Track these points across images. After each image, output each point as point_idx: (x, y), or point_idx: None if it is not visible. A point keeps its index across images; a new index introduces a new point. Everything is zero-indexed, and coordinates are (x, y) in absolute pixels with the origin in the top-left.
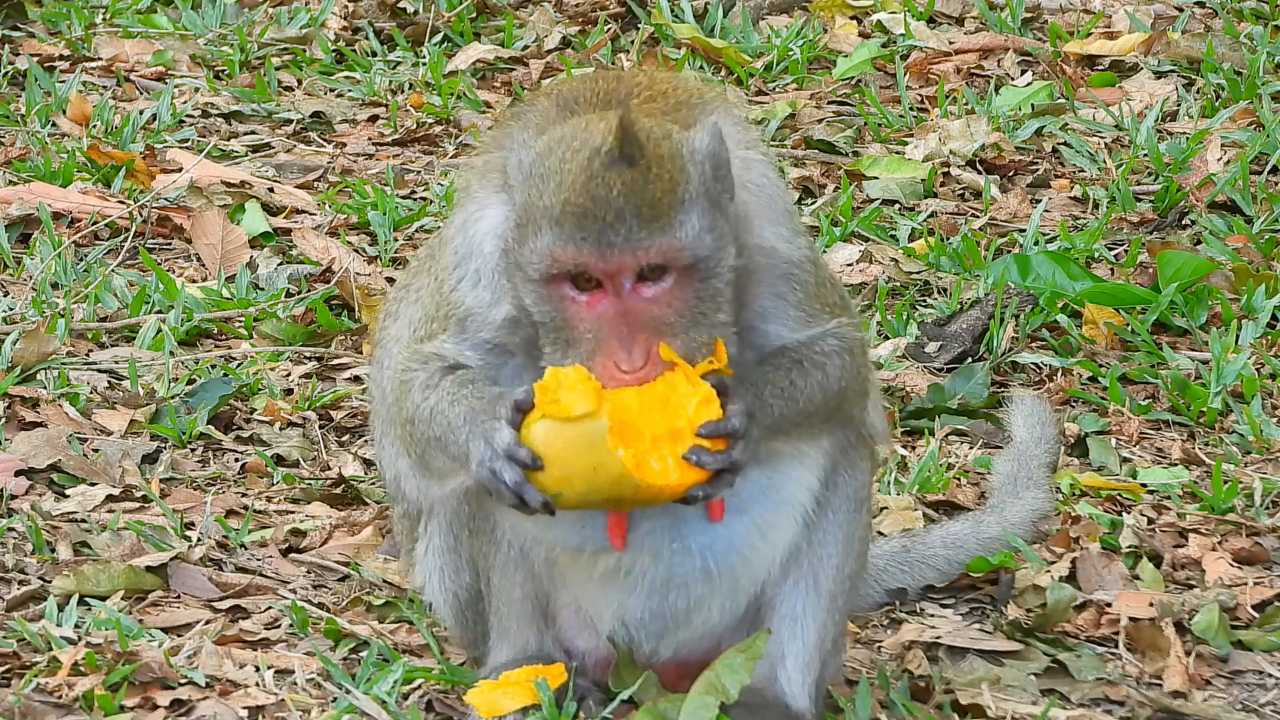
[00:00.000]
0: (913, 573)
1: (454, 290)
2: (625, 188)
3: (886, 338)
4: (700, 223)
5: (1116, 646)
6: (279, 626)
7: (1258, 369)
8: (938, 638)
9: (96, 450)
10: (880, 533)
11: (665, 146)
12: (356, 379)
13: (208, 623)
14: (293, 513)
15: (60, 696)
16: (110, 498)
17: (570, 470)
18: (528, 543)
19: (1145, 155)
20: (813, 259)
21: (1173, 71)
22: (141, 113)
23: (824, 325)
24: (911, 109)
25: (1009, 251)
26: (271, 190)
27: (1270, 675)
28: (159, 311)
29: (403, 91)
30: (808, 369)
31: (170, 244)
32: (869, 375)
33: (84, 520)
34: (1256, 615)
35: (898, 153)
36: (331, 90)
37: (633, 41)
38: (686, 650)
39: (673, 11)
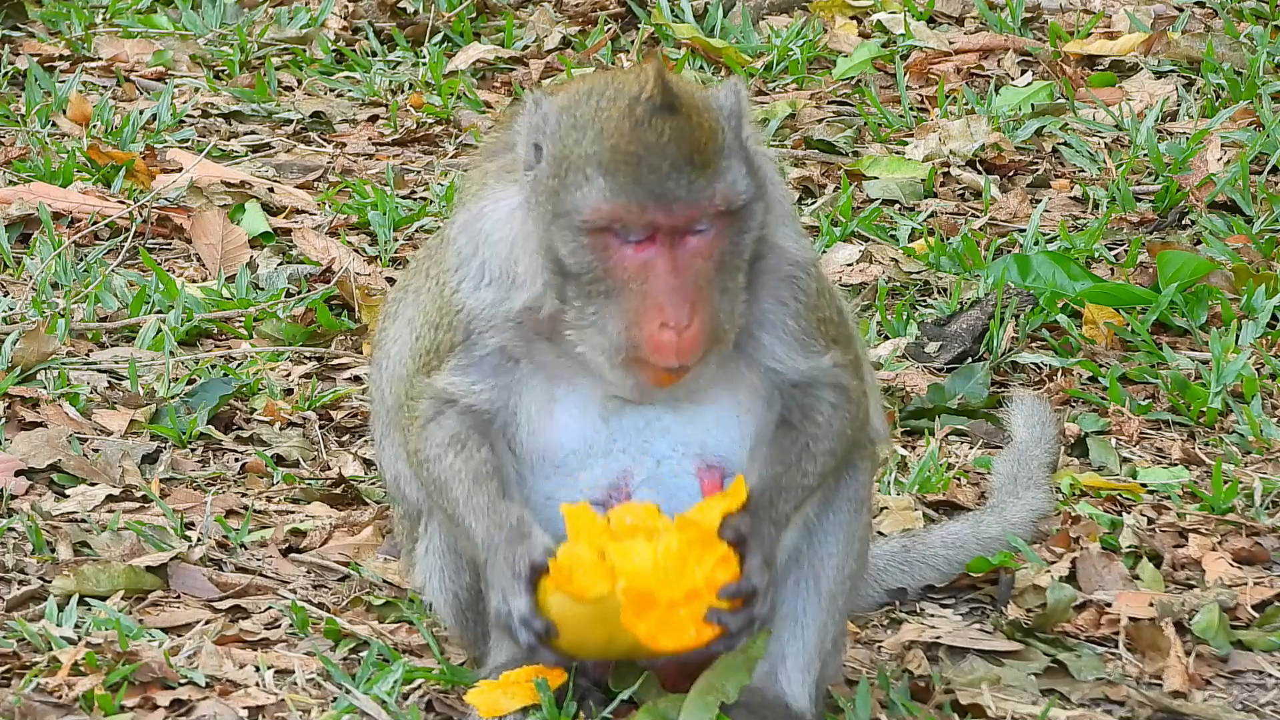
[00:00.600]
0: (913, 573)
1: (455, 292)
2: (675, 134)
3: (886, 338)
4: (740, 169)
5: (1116, 646)
6: (279, 626)
7: (1258, 369)
8: (938, 638)
9: (96, 450)
10: (880, 533)
11: (699, 98)
12: (356, 379)
13: (208, 623)
14: (293, 513)
15: (60, 696)
16: (110, 498)
17: (585, 639)
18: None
19: (1145, 155)
20: (814, 262)
21: (1173, 71)
22: (141, 113)
23: (819, 359)
24: (911, 109)
25: (1009, 251)
26: (271, 190)
27: (1270, 675)
28: (159, 311)
29: (403, 91)
30: (813, 450)
31: (170, 244)
32: (867, 396)
33: (84, 520)
34: (1256, 615)
35: (898, 153)
36: (331, 90)
37: (633, 41)
38: (691, 653)
39: (673, 11)
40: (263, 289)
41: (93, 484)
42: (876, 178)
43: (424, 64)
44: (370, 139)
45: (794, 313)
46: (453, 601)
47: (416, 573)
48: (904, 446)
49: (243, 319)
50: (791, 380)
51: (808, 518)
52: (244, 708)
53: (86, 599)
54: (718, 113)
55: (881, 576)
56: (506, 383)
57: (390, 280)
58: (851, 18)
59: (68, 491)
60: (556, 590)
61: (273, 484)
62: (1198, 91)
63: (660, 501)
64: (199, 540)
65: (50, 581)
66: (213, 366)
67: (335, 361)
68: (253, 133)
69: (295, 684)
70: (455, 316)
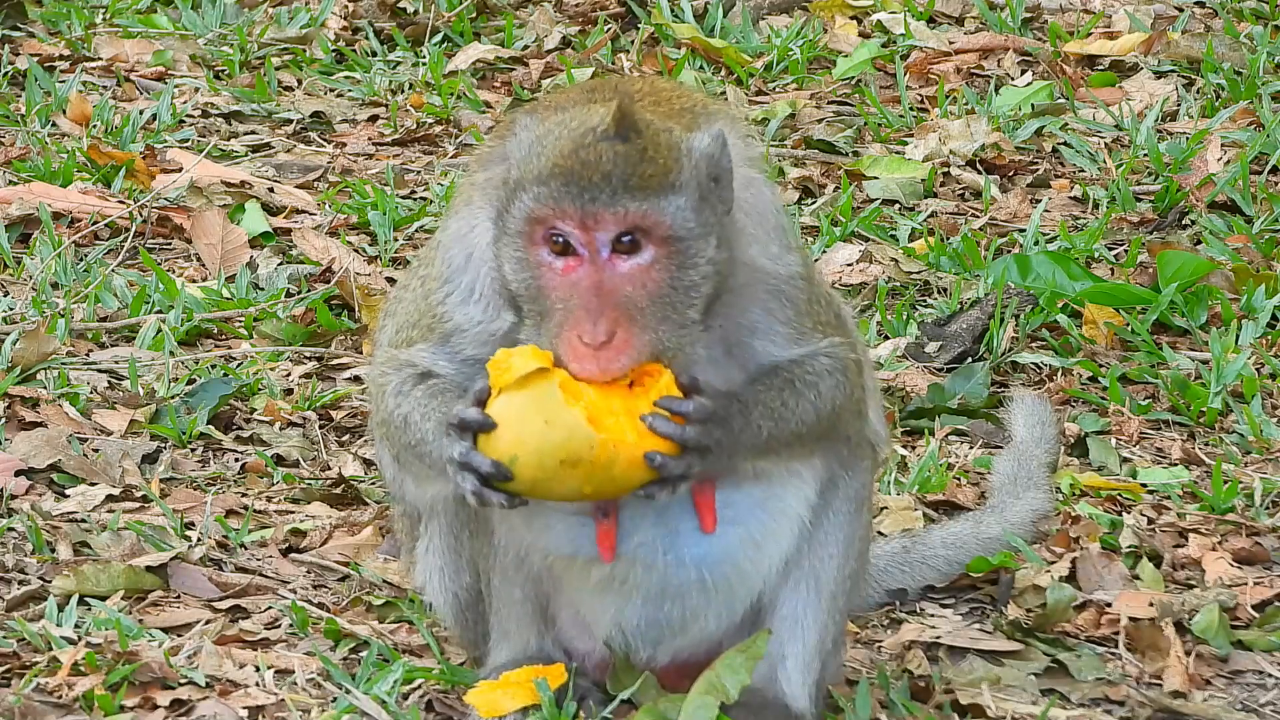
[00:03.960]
0: (913, 573)
1: (441, 304)
2: (615, 157)
3: (886, 338)
4: (686, 206)
5: (1116, 646)
6: (279, 626)
7: (1258, 369)
8: (938, 638)
9: (96, 450)
10: (880, 533)
11: (664, 136)
12: (357, 379)
13: (208, 623)
14: (293, 513)
15: (60, 696)
16: (110, 498)
17: (524, 430)
18: (524, 548)
19: (1145, 155)
20: (805, 275)
21: (1173, 71)
22: (141, 112)
23: (815, 344)
24: (911, 109)
25: (1009, 251)
26: (271, 190)
27: (1270, 675)
28: (159, 311)
29: (403, 91)
30: (799, 389)
31: (170, 244)
32: (865, 391)
33: (84, 520)
34: (1256, 615)
35: (898, 153)
36: (331, 90)
37: (633, 41)
38: (685, 654)
39: (673, 11)
40: (263, 289)
41: (93, 484)
42: (876, 178)
43: (424, 64)
44: (370, 139)
45: (784, 319)
46: (453, 601)
47: (417, 572)
48: (904, 446)
49: (243, 319)
50: (789, 359)
51: (805, 523)
52: (244, 708)
53: (86, 599)
54: (680, 153)
55: (882, 577)
56: (472, 374)
57: (390, 280)
58: (851, 18)
59: (68, 491)
60: (499, 393)
61: (273, 484)
62: (1198, 91)
63: (653, 516)
64: (199, 540)
65: (50, 581)
66: (213, 366)
67: (335, 361)
68: (253, 132)
69: (295, 684)
70: (441, 325)
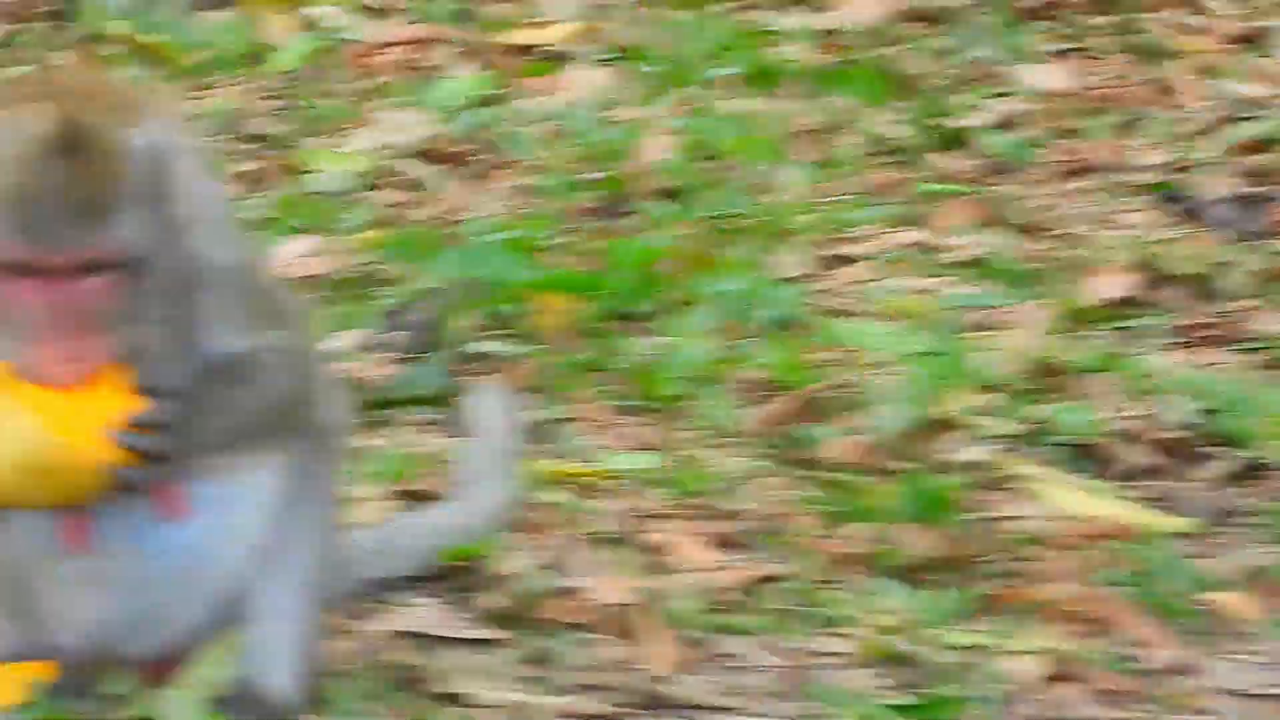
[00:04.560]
0: (389, 562)
1: None
2: (67, 180)
3: (343, 330)
4: (137, 221)
5: (600, 632)
6: None
7: (718, 354)
8: (419, 627)
9: None
10: (353, 524)
11: (106, 142)
12: None
13: None
14: None
15: None
16: None
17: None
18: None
19: (587, 144)
20: (248, 267)
21: (611, 59)
22: None
23: (262, 336)
24: (349, 102)
25: (457, 242)
26: None
27: (750, 659)
28: None
29: None
30: (248, 382)
31: None
32: (317, 381)
33: None
34: (733, 599)
35: (336, 147)
36: None
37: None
38: (172, 649)
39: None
40: None
41: None
42: (317, 171)
43: None
44: None
45: (231, 311)
46: None
47: None
48: (368, 437)
49: None
50: (238, 353)
51: (274, 513)
52: None
53: None
54: (124, 157)
55: (358, 566)
56: None
57: None
58: (286, 11)
59: None
60: None
61: None
62: (635, 80)
63: (119, 508)
64: None
65: None
66: None
67: None
68: None
69: None
70: None
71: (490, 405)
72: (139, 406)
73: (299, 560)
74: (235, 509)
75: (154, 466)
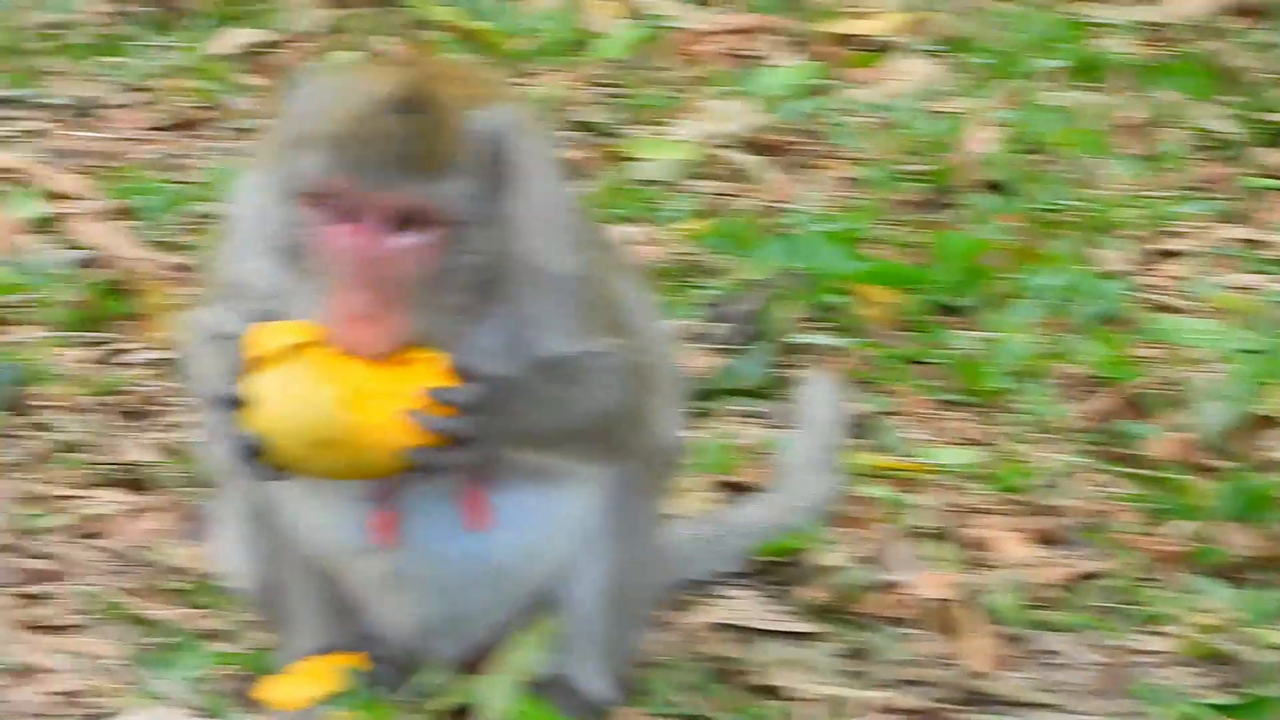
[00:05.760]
0: (710, 558)
1: (229, 263)
2: (403, 131)
3: (666, 320)
4: (464, 190)
5: (915, 627)
6: (79, 613)
7: (1043, 349)
8: (738, 620)
9: None
10: (678, 516)
11: (451, 115)
12: (141, 364)
13: (5, 609)
14: (87, 498)
15: None
16: None
17: (282, 406)
18: (307, 541)
19: (913, 135)
20: (588, 275)
21: (937, 51)
22: None
23: (597, 342)
24: (676, 90)
25: (781, 232)
26: (43, 176)
27: (1066, 654)
28: None
29: (171, 76)
30: (574, 384)
31: None
32: (655, 396)
33: None
34: (1054, 595)
35: (663, 134)
36: (100, 74)
37: (391, 26)
38: (481, 646)
39: None
40: (39, 275)
41: None
42: (643, 159)
43: (189, 48)
44: (140, 123)
45: (564, 316)
46: (254, 578)
47: (220, 552)
48: (691, 429)
49: (22, 304)
50: (568, 354)
51: (588, 526)
52: (44, 694)
53: None
54: (465, 131)
55: (679, 566)
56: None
57: (166, 264)
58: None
59: None
60: (263, 370)
61: (66, 470)
62: (962, 71)
63: (431, 508)
64: None
65: None
66: None
67: (117, 346)
68: (21, 118)
69: (96, 670)
70: (228, 284)
71: (820, 396)
72: (446, 387)
73: (616, 564)
74: (547, 523)
75: (457, 452)
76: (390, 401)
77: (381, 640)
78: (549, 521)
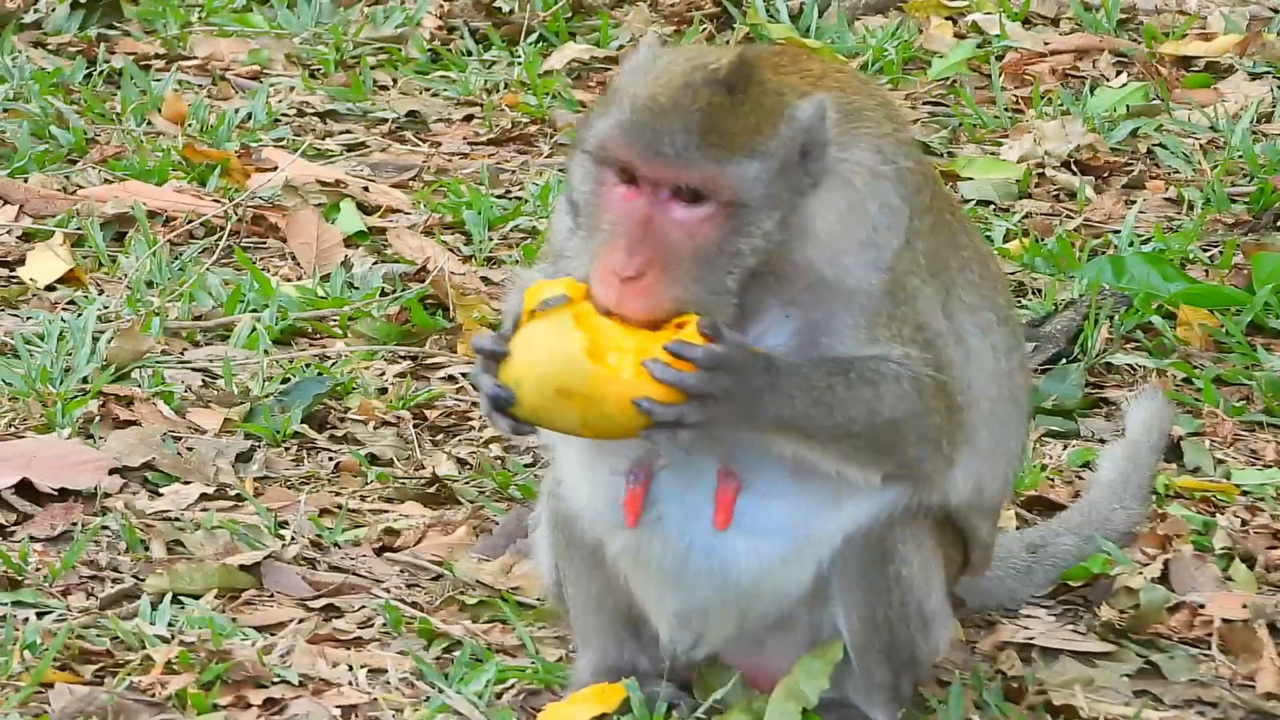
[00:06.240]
0: (1021, 588)
1: (554, 228)
2: (708, 105)
3: None
4: (760, 175)
5: (1209, 648)
6: (372, 626)
7: None
8: (1031, 638)
9: (190, 449)
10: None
11: (770, 99)
12: (451, 378)
13: (301, 621)
14: (386, 512)
15: (153, 695)
16: (204, 496)
17: (532, 354)
18: (589, 529)
19: (1240, 157)
20: (885, 291)
21: (1268, 73)
22: (236, 111)
23: (887, 349)
24: (1006, 110)
25: (1103, 253)
26: (366, 189)
27: None
28: (253, 310)
29: (498, 91)
30: (853, 381)
31: (265, 243)
32: (951, 423)
33: (177, 519)
34: None
35: (992, 153)
36: (426, 89)
37: (728, 41)
38: (753, 654)
39: (768, 11)
40: (357, 288)
41: (186, 482)
42: (971, 178)
43: (519, 64)
44: (465, 138)
45: (853, 324)
46: (553, 576)
47: (536, 551)
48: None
49: (337, 318)
50: (854, 355)
51: (858, 543)
52: (337, 706)
53: (180, 597)
54: (778, 116)
55: (991, 593)
56: None
57: (485, 280)
58: (947, 18)
59: (161, 490)
60: (525, 323)
61: (366, 483)
62: None
63: (673, 500)
64: (292, 539)
65: (144, 580)
66: (307, 365)
67: (430, 361)
68: (348, 132)
69: (388, 683)
70: (552, 248)
71: (1147, 416)
72: (685, 341)
73: (879, 591)
74: (794, 542)
75: (692, 409)
76: (632, 356)
77: (663, 651)
78: (805, 534)
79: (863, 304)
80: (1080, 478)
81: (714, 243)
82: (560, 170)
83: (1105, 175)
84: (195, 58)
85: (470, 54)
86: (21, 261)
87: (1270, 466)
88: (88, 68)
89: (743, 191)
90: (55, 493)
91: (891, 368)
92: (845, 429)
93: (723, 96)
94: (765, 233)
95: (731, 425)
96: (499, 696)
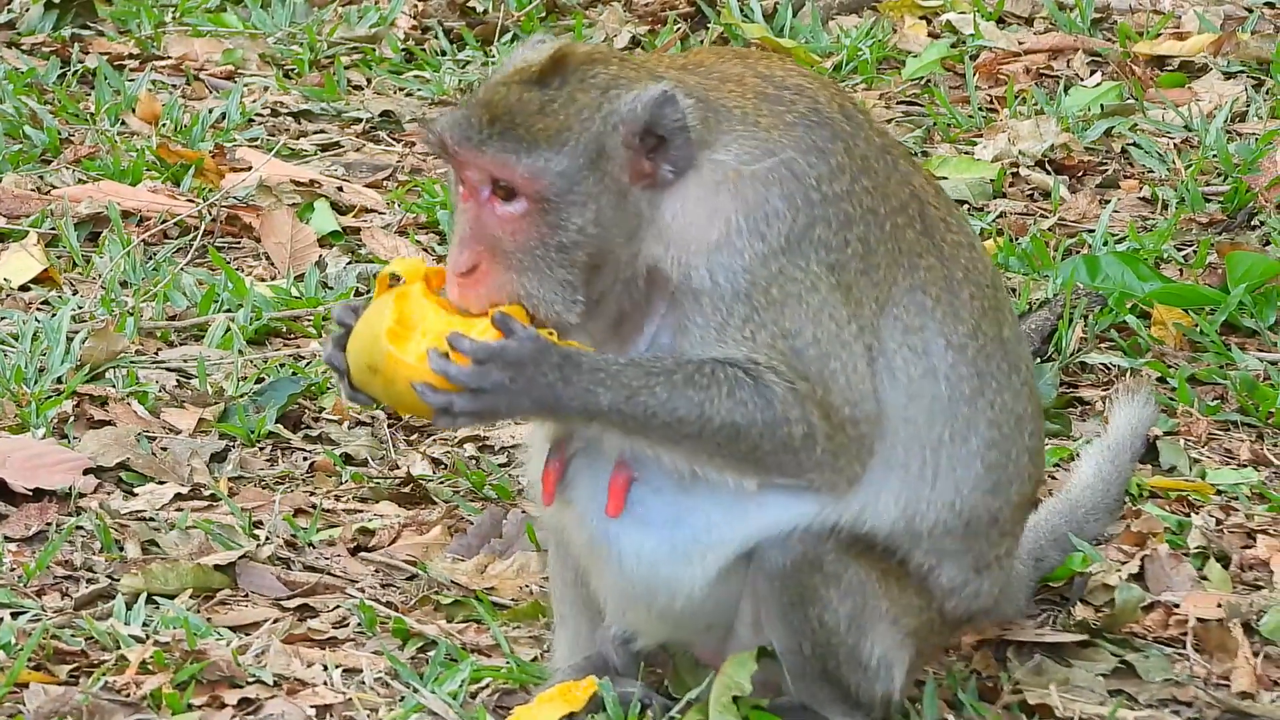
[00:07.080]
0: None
1: None
2: (516, 100)
3: None
4: (565, 169)
5: (1184, 647)
6: (347, 625)
7: None
8: (1006, 637)
9: (165, 449)
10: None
11: (585, 94)
12: None
13: (275, 621)
14: (361, 512)
15: (128, 695)
16: (178, 496)
17: (357, 330)
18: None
19: (1214, 156)
20: (746, 296)
21: (1242, 72)
22: (211, 111)
23: (735, 352)
24: (980, 109)
25: (1078, 252)
26: (340, 189)
27: None
28: (228, 310)
29: (472, 90)
30: (678, 382)
31: (239, 243)
32: (828, 442)
33: (152, 519)
34: None
35: (966, 153)
36: (401, 89)
37: (702, 41)
38: (715, 653)
39: (742, 11)
40: (332, 288)
41: (161, 482)
42: (945, 178)
43: (493, 63)
44: None
45: (704, 326)
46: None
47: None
48: None
49: (311, 318)
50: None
51: (805, 580)
52: (311, 706)
53: (154, 597)
54: (592, 113)
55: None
56: None
57: None
58: (921, 18)
59: (136, 490)
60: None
61: (341, 483)
62: (1267, 92)
63: (583, 483)
64: (267, 539)
65: (119, 580)
66: (281, 365)
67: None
68: (322, 132)
69: (363, 683)
70: None
71: (1130, 415)
72: (461, 335)
73: (820, 627)
74: (685, 539)
75: (463, 400)
76: (429, 342)
77: (625, 646)
78: (691, 535)
79: (714, 306)
80: (1053, 477)
81: (535, 238)
82: None
83: (1080, 175)
84: (169, 58)
85: (444, 54)
86: None
87: (1245, 466)
88: (62, 68)
89: (546, 185)
90: (30, 493)
91: (733, 372)
92: (676, 429)
93: (533, 91)
94: (580, 227)
95: (513, 415)
96: (474, 696)
